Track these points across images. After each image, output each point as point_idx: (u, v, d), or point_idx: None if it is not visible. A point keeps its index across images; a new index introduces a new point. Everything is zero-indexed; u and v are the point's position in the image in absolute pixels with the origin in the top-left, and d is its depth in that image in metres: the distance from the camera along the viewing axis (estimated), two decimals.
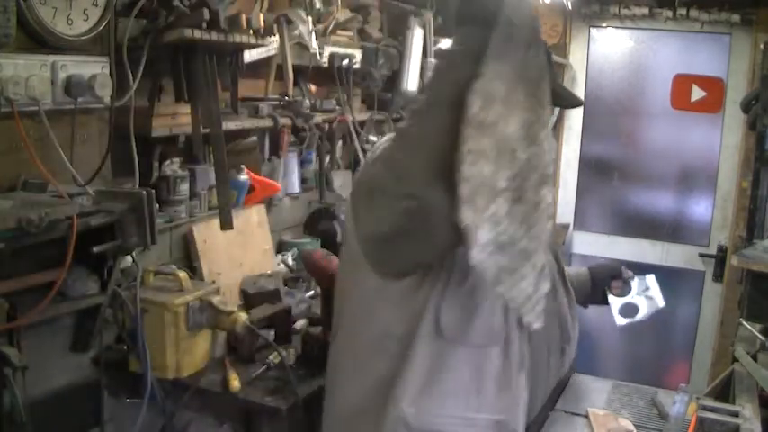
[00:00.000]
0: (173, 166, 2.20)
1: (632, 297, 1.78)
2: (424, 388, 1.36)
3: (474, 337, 1.36)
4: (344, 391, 1.47)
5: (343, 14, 2.82)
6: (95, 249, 1.61)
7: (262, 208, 2.60)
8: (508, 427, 1.42)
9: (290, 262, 2.66)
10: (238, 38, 1.99)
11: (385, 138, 1.46)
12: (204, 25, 1.85)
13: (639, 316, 1.78)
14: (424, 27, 3.28)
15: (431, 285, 1.34)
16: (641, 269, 3.41)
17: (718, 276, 3.26)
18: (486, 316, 1.36)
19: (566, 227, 3.81)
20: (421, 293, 1.35)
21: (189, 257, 2.28)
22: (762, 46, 2.59)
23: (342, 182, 3.12)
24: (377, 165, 1.25)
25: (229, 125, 2.25)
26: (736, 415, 1.43)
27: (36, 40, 1.59)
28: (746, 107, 2.58)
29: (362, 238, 1.25)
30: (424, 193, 1.14)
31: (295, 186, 2.86)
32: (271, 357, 1.91)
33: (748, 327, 1.92)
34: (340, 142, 3.13)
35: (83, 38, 1.68)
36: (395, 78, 3.25)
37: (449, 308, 1.34)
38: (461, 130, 1.13)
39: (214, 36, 1.89)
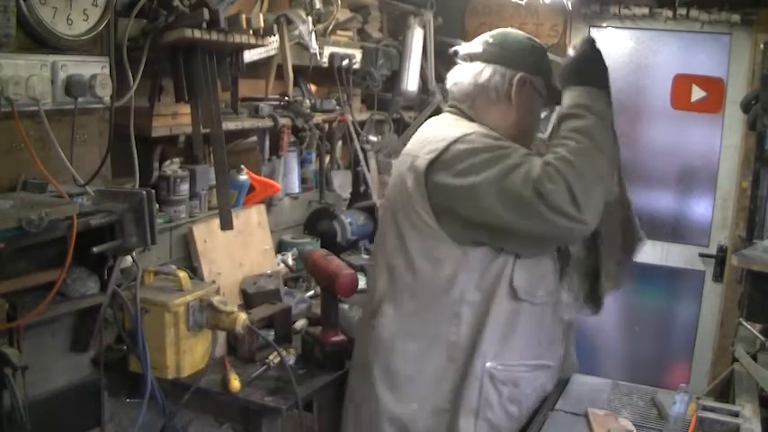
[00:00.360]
0: (173, 166, 2.20)
1: None
2: (503, 342, 1.64)
3: (538, 296, 1.66)
4: (405, 356, 1.66)
5: (343, 14, 2.82)
6: (95, 249, 1.61)
7: (262, 208, 2.60)
8: (555, 372, 1.75)
9: (290, 262, 2.66)
10: (238, 38, 1.99)
11: (450, 133, 1.64)
12: (204, 25, 1.85)
13: None
14: (424, 27, 3.28)
15: (505, 256, 1.62)
16: (641, 269, 3.42)
17: (718, 276, 3.25)
18: (545, 280, 1.67)
19: None
20: (498, 262, 1.62)
21: (189, 257, 2.28)
22: (762, 46, 2.58)
23: (341, 182, 3.11)
24: (547, 183, 1.47)
25: (229, 125, 2.25)
26: (736, 415, 1.43)
27: (36, 40, 1.59)
28: (746, 107, 2.58)
29: (474, 221, 1.56)
30: (592, 224, 1.50)
31: (295, 186, 2.86)
32: (271, 357, 1.91)
33: (748, 327, 1.92)
34: (340, 142, 3.13)
35: (83, 38, 1.68)
36: (395, 78, 3.25)
37: (519, 273, 1.62)
38: (623, 183, 1.69)
39: (214, 36, 1.89)
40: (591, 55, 1.69)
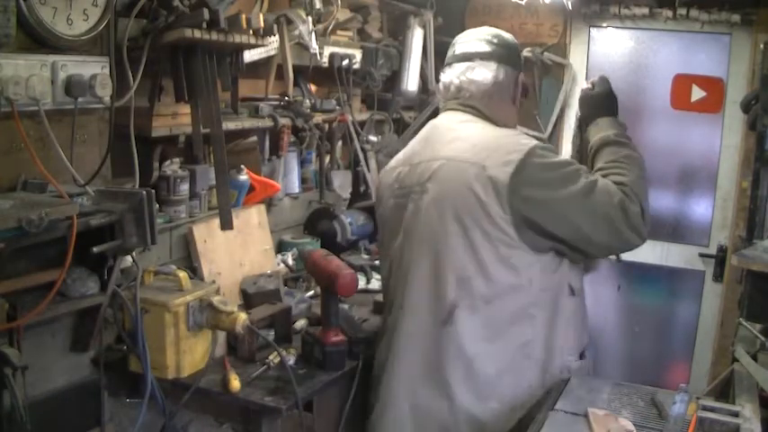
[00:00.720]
0: (173, 166, 2.20)
1: None
2: (570, 337, 1.80)
3: (581, 291, 1.86)
4: (485, 359, 1.74)
5: (343, 14, 2.82)
6: (95, 249, 1.61)
7: (262, 208, 2.60)
8: (588, 349, 1.90)
9: (290, 262, 2.66)
10: (238, 38, 1.99)
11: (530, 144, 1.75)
12: (204, 25, 1.85)
13: None
14: (423, 27, 3.28)
15: (564, 259, 1.77)
16: (641, 269, 3.41)
17: (718, 276, 3.24)
18: (582, 278, 1.87)
19: None
20: (561, 265, 1.77)
21: (189, 257, 2.28)
22: (762, 46, 2.57)
23: (341, 182, 3.12)
24: (630, 204, 1.70)
25: (229, 125, 2.25)
26: (736, 415, 1.43)
27: (36, 40, 1.59)
28: (746, 107, 2.57)
29: (557, 231, 1.70)
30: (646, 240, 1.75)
31: (295, 186, 2.86)
32: (271, 357, 1.91)
33: (748, 327, 1.92)
34: (340, 142, 3.13)
35: (83, 38, 1.68)
36: (395, 78, 3.25)
37: (572, 274, 1.81)
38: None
39: (214, 36, 1.89)
40: (611, 90, 1.96)
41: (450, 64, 1.92)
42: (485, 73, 1.85)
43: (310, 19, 2.51)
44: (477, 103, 1.85)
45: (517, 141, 1.75)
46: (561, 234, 1.70)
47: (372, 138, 3.13)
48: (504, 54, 1.88)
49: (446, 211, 1.75)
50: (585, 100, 1.97)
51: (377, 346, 1.97)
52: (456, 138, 1.81)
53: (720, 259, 3.23)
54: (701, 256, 3.33)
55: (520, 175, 1.67)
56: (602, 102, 1.94)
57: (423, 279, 1.80)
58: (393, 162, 2.01)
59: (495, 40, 1.89)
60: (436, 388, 1.77)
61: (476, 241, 1.71)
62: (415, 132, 3.33)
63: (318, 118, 2.81)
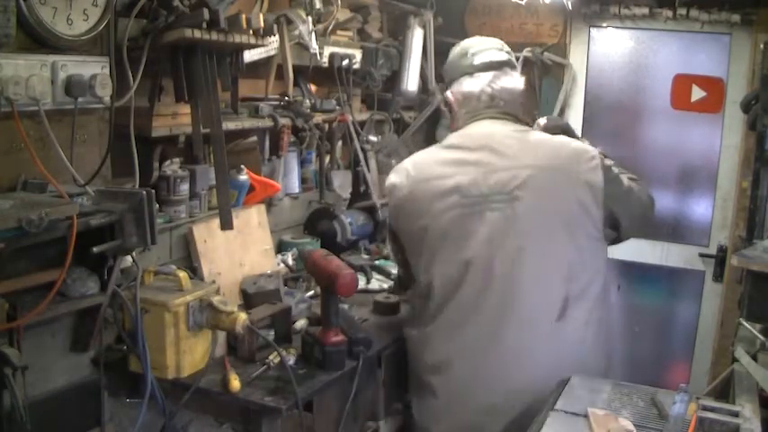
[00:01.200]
0: (173, 166, 2.20)
1: None
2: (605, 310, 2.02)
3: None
4: (587, 342, 1.91)
5: (343, 14, 2.83)
6: (95, 249, 1.61)
7: (262, 208, 2.60)
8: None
9: (290, 262, 2.66)
10: (238, 38, 1.99)
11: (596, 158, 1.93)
12: (204, 25, 1.85)
13: None
14: (423, 27, 3.28)
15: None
16: (641, 269, 3.41)
17: (718, 276, 3.24)
18: None
19: None
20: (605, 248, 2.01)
21: (189, 257, 2.28)
22: (762, 46, 2.57)
23: (341, 182, 3.11)
24: (652, 197, 2.03)
25: (229, 125, 2.25)
26: (736, 415, 1.43)
27: (36, 40, 1.59)
28: (746, 107, 2.58)
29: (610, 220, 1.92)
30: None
31: (295, 186, 2.86)
32: (271, 357, 1.91)
33: (748, 327, 1.92)
34: (340, 142, 3.13)
35: (83, 38, 1.68)
36: (395, 78, 3.25)
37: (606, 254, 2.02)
38: None
39: (214, 36, 1.89)
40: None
41: (470, 73, 2.02)
42: (512, 81, 2.01)
43: (310, 19, 2.51)
44: (512, 110, 1.99)
45: (582, 147, 1.95)
46: (623, 224, 1.92)
47: (372, 138, 3.13)
48: (514, 62, 2.07)
49: (551, 217, 1.87)
50: (554, 132, 2.11)
51: (445, 361, 1.96)
52: (528, 146, 1.92)
53: (720, 259, 3.23)
54: (701, 256, 3.33)
55: (606, 176, 1.87)
56: (567, 126, 2.19)
57: (528, 283, 1.86)
58: (430, 172, 1.95)
59: (506, 49, 2.07)
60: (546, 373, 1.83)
61: (579, 241, 1.88)
62: (415, 133, 3.33)
63: (318, 118, 2.81)
